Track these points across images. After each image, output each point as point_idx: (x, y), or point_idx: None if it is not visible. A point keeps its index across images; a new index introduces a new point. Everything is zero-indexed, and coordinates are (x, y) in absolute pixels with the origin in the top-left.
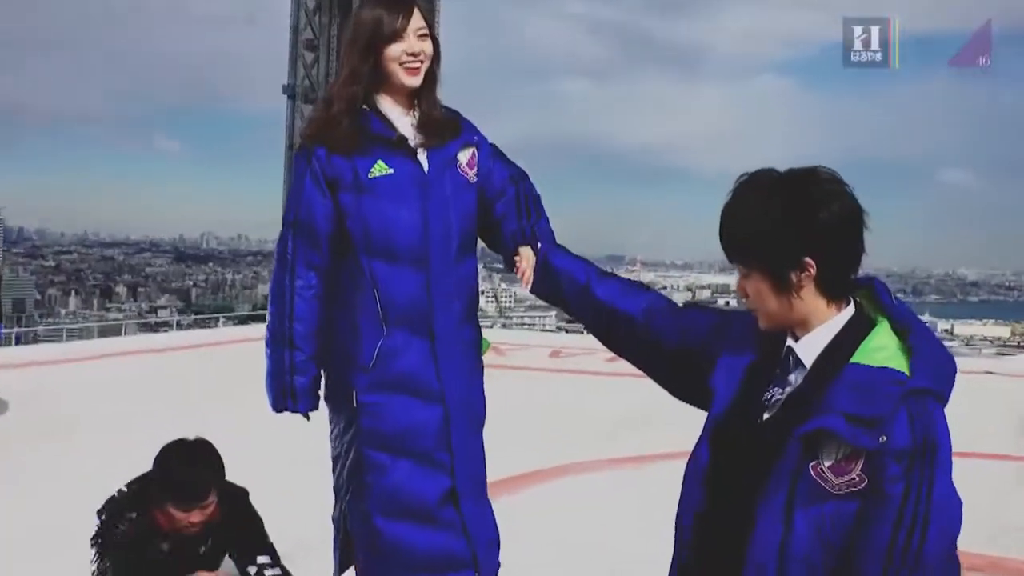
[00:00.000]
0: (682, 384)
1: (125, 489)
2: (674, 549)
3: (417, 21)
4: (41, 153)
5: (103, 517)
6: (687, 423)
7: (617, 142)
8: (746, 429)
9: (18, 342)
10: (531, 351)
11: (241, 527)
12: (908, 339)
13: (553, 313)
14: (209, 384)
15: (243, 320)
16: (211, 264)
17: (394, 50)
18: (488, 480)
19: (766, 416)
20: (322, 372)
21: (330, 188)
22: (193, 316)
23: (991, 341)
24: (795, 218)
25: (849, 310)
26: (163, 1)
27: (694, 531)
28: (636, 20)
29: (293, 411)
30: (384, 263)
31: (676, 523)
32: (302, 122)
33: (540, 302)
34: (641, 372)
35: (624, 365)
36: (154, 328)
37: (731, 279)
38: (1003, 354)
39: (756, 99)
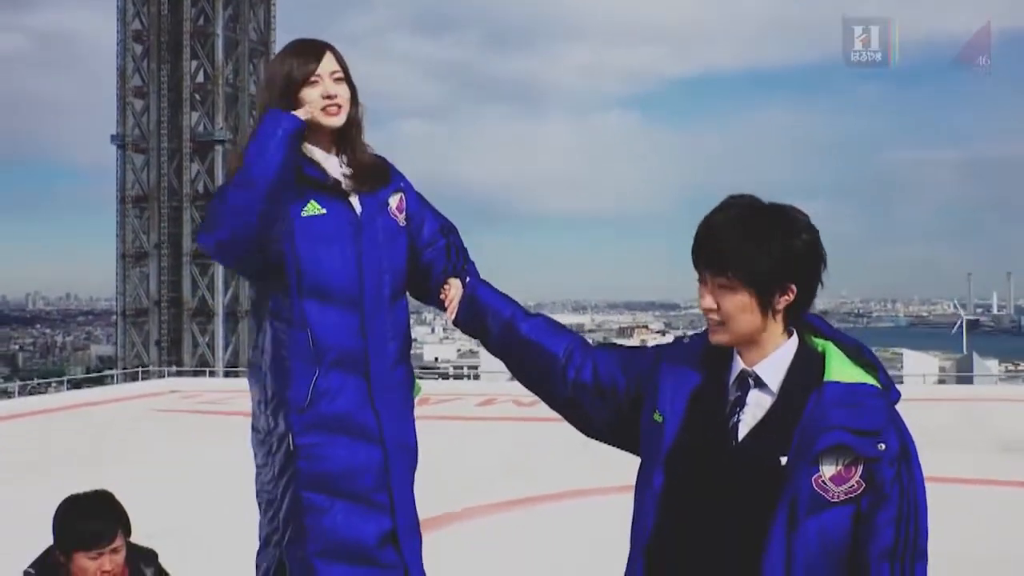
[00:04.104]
0: (605, 419)
1: (32, 570)
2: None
3: (331, 64)
4: None
5: None
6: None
7: (460, 183)
8: (720, 453)
9: None
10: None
11: None
12: (860, 357)
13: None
14: (59, 449)
15: (77, 384)
16: (38, 326)
17: (310, 94)
18: None
19: (741, 438)
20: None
21: None
22: (19, 383)
23: None
24: (793, 244)
25: (795, 338)
26: None
27: (651, 550)
28: (471, 58)
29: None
30: (317, 303)
31: (632, 547)
32: (133, 173)
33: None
34: (549, 412)
35: (488, 410)
36: None
37: (583, 319)
38: None
39: (602, 135)
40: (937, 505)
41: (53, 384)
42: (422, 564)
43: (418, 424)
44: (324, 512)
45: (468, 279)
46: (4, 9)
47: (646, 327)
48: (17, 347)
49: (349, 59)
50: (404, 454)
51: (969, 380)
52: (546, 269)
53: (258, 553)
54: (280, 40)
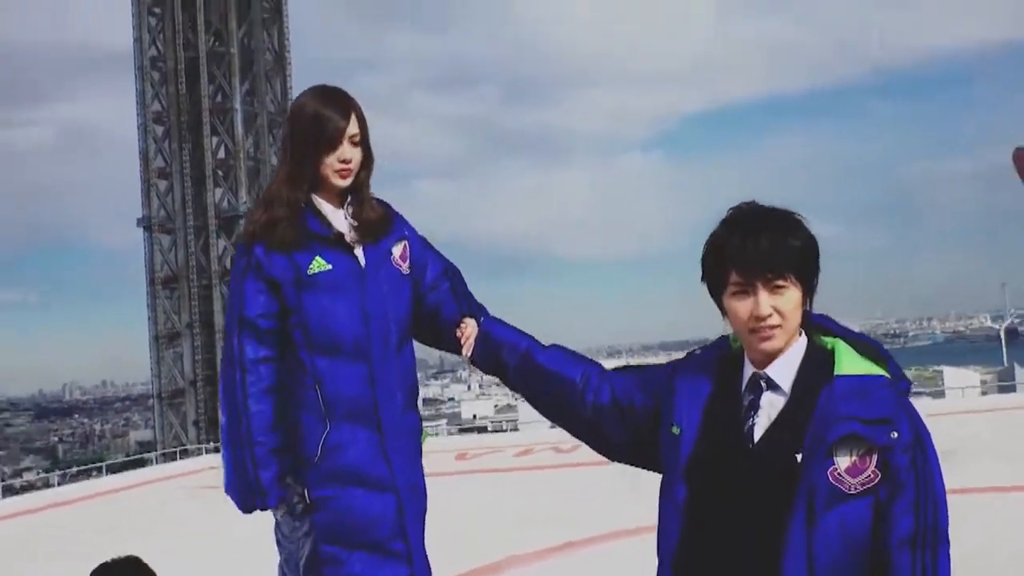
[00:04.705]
0: (626, 439)
1: None
2: None
3: (353, 127)
4: None
5: None
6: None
7: (485, 236)
8: (737, 457)
9: None
10: (433, 457)
11: None
12: (869, 352)
13: (444, 420)
14: (98, 530)
15: (115, 469)
16: (76, 416)
17: (329, 158)
18: None
19: (757, 440)
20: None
21: (270, 286)
22: (59, 472)
23: None
24: (814, 239)
25: (804, 338)
26: None
27: (678, 563)
28: (488, 113)
29: (263, 508)
30: (326, 358)
31: (660, 560)
32: (161, 254)
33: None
34: (581, 443)
35: (527, 460)
36: (19, 491)
37: (619, 363)
38: None
39: (625, 177)
40: (995, 512)
41: (93, 472)
42: None
43: (456, 479)
44: (343, 564)
45: (482, 318)
46: (25, 105)
47: None
48: (56, 439)
49: (368, 121)
50: (416, 499)
51: (1012, 389)
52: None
53: None
54: None
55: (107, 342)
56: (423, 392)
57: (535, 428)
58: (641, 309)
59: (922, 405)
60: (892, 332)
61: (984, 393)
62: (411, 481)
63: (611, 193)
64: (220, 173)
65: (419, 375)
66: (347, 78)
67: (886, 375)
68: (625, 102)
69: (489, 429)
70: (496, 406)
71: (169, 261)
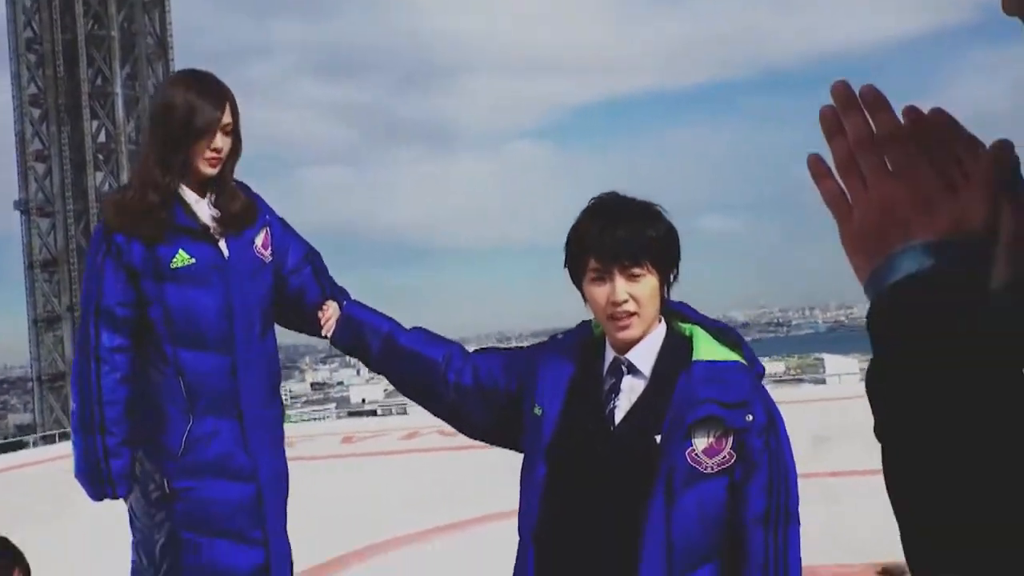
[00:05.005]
0: (488, 419)
1: None
2: (519, 560)
3: (226, 117)
4: None
5: None
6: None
7: (377, 225)
8: (597, 439)
9: None
10: (319, 440)
11: None
12: (725, 337)
13: (333, 404)
14: None
15: None
16: None
17: (201, 147)
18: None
19: (618, 423)
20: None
21: (129, 274)
22: None
23: (768, 377)
24: (672, 229)
25: (663, 324)
26: None
27: (539, 540)
28: (379, 100)
29: (113, 497)
30: (189, 350)
31: (520, 535)
32: (40, 237)
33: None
34: (445, 427)
35: (413, 443)
36: None
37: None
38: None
39: (515, 167)
40: (866, 494)
41: None
42: None
43: (341, 462)
44: (200, 549)
45: (344, 301)
46: None
47: None
48: None
49: (251, 107)
50: (278, 488)
51: None
52: (468, 303)
53: None
54: None
55: None
56: (312, 377)
57: (423, 412)
58: (533, 296)
59: (803, 391)
60: (776, 321)
61: (863, 380)
62: (273, 470)
63: (502, 181)
64: (101, 157)
65: (307, 360)
66: (232, 64)
67: (741, 360)
68: (517, 91)
69: (379, 413)
70: (385, 390)
71: (48, 244)
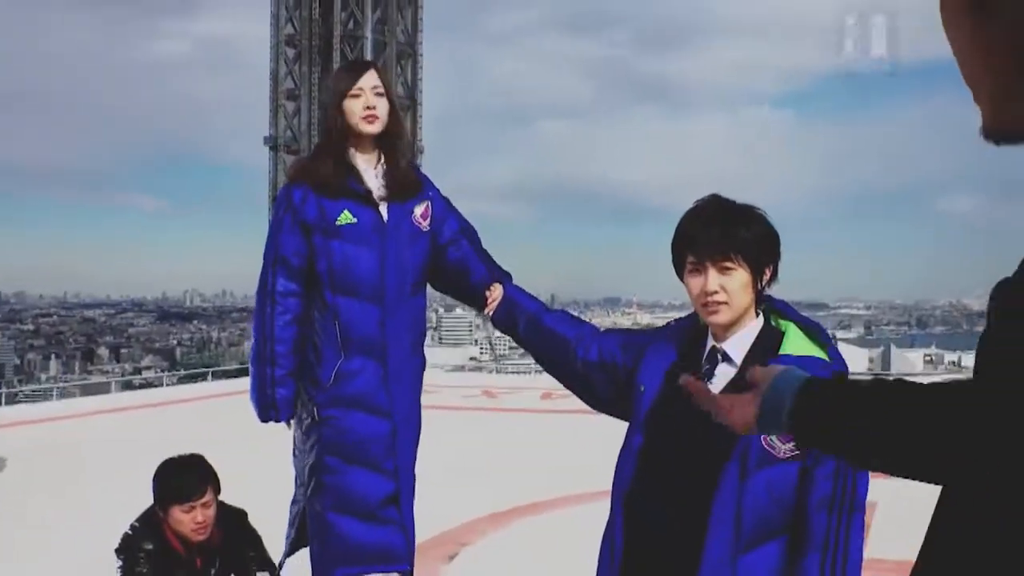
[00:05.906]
0: (608, 392)
1: (137, 524)
2: (609, 522)
3: (372, 79)
4: (13, 214)
5: (123, 556)
6: None
7: (608, 182)
8: (687, 417)
9: None
10: (523, 393)
11: (242, 546)
12: (815, 337)
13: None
14: (203, 435)
15: (232, 375)
16: (196, 322)
17: (353, 105)
18: (490, 512)
19: None
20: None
21: (303, 229)
22: (181, 372)
23: None
24: (770, 230)
25: (760, 319)
26: (134, 54)
27: (628, 501)
28: (619, 56)
29: (276, 420)
30: (345, 298)
31: (613, 495)
32: (285, 174)
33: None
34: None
35: None
36: (139, 387)
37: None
38: None
39: (751, 133)
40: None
41: (211, 374)
42: (413, 524)
43: (543, 418)
44: (339, 473)
45: (507, 284)
46: (171, 16)
47: None
48: (175, 342)
49: (497, 58)
50: (410, 428)
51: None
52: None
53: (292, 501)
54: (427, 41)
55: (229, 254)
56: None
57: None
58: None
59: None
60: None
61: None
62: (407, 413)
63: (738, 147)
64: None
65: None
66: (479, 13)
67: (824, 358)
68: (758, 55)
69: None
70: None
71: None
